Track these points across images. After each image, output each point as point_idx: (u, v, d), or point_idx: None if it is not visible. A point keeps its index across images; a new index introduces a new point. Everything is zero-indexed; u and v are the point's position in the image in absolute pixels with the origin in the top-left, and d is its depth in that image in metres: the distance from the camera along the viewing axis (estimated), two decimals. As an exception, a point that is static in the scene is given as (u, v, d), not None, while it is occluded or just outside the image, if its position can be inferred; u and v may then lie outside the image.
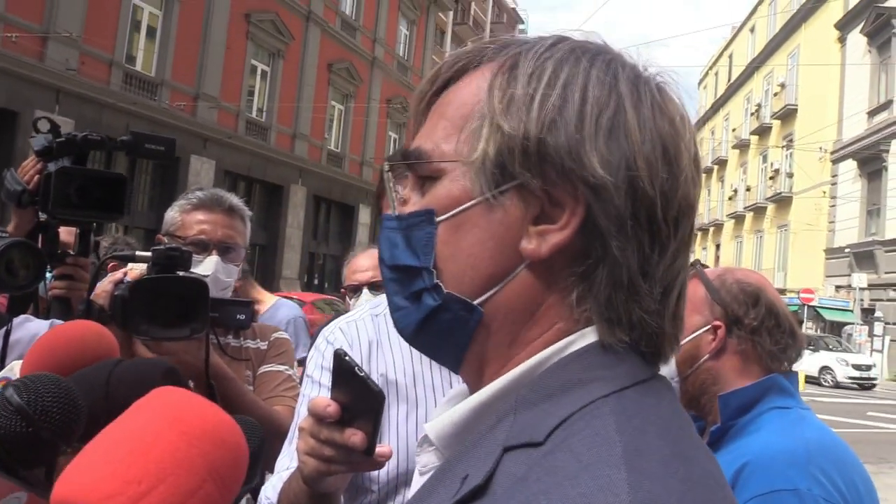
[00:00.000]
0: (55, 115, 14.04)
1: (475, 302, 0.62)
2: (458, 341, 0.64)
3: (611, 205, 0.58)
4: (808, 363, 20.57)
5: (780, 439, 1.37)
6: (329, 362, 1.39)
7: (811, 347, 20.85)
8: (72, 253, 1.63)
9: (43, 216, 1.58)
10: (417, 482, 0.67)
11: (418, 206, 0.65)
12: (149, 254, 1.34)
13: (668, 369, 1.46)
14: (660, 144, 0.60)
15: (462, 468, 0.56)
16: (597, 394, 0.56)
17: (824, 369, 21.41)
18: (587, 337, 0.60)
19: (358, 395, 0.85)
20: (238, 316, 1.49)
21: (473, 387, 0.65)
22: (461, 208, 0.62)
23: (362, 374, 0.83)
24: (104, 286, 1.42)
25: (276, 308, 3.74)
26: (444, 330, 0.64)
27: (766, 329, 1.49)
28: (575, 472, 0.49)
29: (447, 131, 0.64)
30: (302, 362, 2.12)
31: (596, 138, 0.58)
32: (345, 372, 0.84)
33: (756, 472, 1.32)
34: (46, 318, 1.56)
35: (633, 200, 0.59)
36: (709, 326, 1.50)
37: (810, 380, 20.69)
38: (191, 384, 1.44)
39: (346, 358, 0.84)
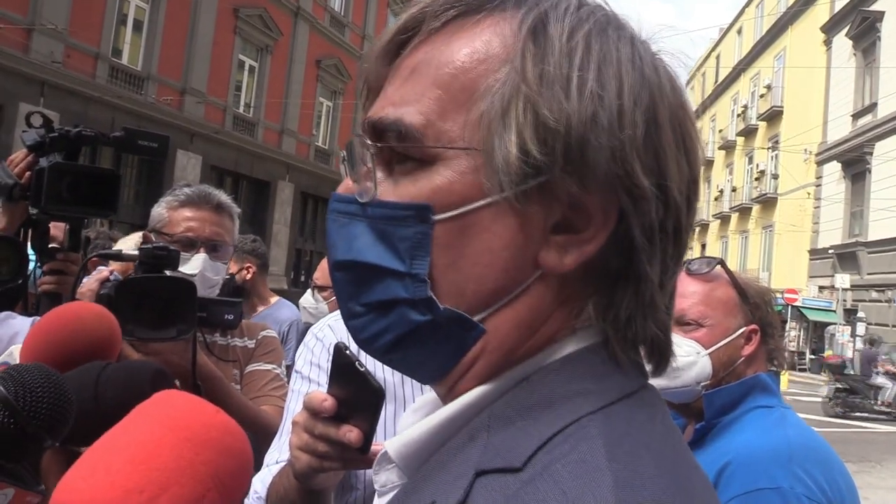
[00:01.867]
0: (40, 108, 13.93)
1: (476, 318, 0.53)
2: (444, 360, 0.55)
3: (647, 217, 0.51)
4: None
5: (762, 438, 1.39)
6: (318, 359, 1.39)
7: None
8: (62, 248, 1.62)
9: (33, 211, 1.57)
10: (378, 503, 0.60)
11: (397, 196, 0.53)
12: (135, 252, 1.33)
13: (702, 372, 1.46)
14: (682, 143, 0.53)
15: (429, 492, 0.49)
16: (582, 410, 0.49)
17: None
18: (573, 343, 0.53)
19: (356, 391, 0.82)
20: (226, 316, 1.49)
21: (445, 397, 0.57)
22: (469, 208, 0.51)
23: (363, 368, 0.80)
24: (90, 285, 1.40)
25: (278, 308, 3.71)
26: (429, 348, 0.54)
27: (775, 329, 1.54)
28: None
29: (443, 105, 0.52)
30: None
31: (636, 139, 0.50)
32: (344, 366, 0.81)
33: (739, 471, 1.33)
34: (36, 312, 1.55)
35: (664, 210, 0.52)
36: (743, 330, 1.52)
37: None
38: (177, 384, 1.44)
39: (347, 351, 0.81)
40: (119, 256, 1.39)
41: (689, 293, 1.54)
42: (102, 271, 1.44)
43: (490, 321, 0.53)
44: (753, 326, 1.52)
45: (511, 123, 0.49)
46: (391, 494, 0.57)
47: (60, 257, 1.59)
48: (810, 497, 1.28)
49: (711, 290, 1.53)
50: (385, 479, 0.59)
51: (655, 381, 1.68)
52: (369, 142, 0.55)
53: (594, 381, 0.51)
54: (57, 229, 1.66)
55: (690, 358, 1.49)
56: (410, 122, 0.52)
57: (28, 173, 1.57)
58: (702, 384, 1.50)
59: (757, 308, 1.53)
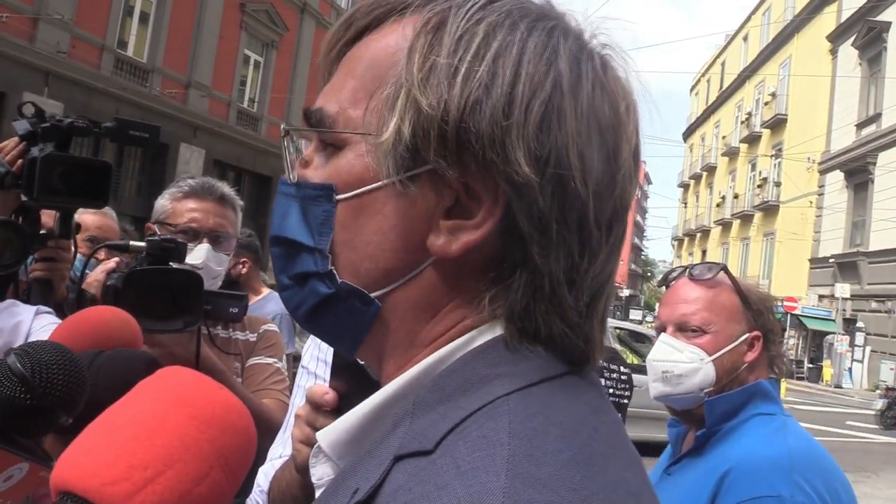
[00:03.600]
0: (44, 98, 13.94)
1: (373, 295, 0.55)
2: (353, 333, 0.58)
3: (534, 206, 0.51)
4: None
5: (764, 446, 1.38)
6: (325, 354, 1.39)
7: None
8: (53, 235, 1.62)
9: (25, 199, 1.57)
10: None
11: (318, 178, 0.57)
12: (143, 244, 1.33)
13: (706, 379, 1.46)
14: (598, 136, 0.53)
15: (354, 481, 0.49)
16: (498, 392, 0.49)
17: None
18: (493, 330, 0.53)
19: (357, 384, 0.82)
20: (231, 309, 1.49)
21: (382, 382, 0.59)
22: (363, 190, 0.54)
23: (361, 362, 0.80)
24: (96, 275, 1.40)
25: (265, 302, 3.70)
26: (337, 320, 0.58)
27: (777, 336, 1.54)
28: (448, 480, 0.44)
29: (355, 94, 0.56)
30: (288, 357, 2.12)
31: (525, 127, 0.50)
32: (344, 359, 0.82)
33: (740, 479, 1.33)
34: (27, 299, 1.55)
35: (561, 202, 0.51)
36: (746, 337, 1.51)
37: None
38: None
39: None
40: (127, 248, 1.39)
41: (692, 299, 1.53)
42: (109, 262, 1.43)
43: (386, 300, 0.55)
44: (756, 333, 1.52)
45: (396, 110, 0.52)
46: (325, 488, 0.57)
47: (51, 244, 1.59)
48: (810, 506, 1.28)
49: (715, 295, 1.53)
50: (321, 473, 0.60)
51: (659, 389, 1.66)
52: (286, 127, 0.61)
53: (511, 364, 0.51)
54: (48, 216, 1.66)
55: (693, 365, 1.49)
56: (327, 111, 0.57)
57: (20, 161, 1.57)
58: (705, 391, 1.49)
59: (759, 314, 1.52)
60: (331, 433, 0.58)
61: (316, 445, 0.60)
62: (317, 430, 0.86)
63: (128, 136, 1.59)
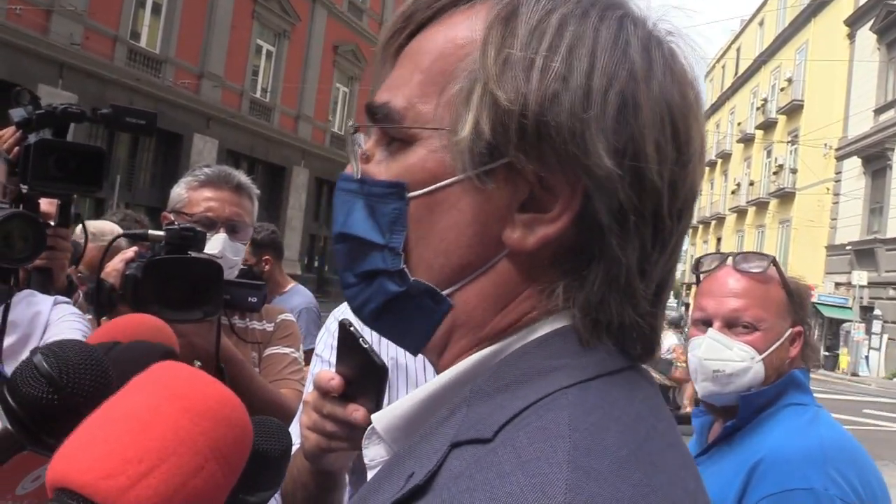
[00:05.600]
0: (58, 90, 14.02)
1: (444, 292, 0.55)
2: (421, 331, 0.57)
3: (615, 198, 0.51)
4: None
5: (796, 438, 1.36)
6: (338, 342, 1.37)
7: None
8: (52, 224, 1.61)
9: (23, 187, 1.57)
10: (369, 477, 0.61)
11: (386, 175, 0.56)
12: (162, 233, 1.31)
13: (756, 378, 1.43)
14: (670, 126, 0.53)
15: (409, 465, 0.50)
16: (557, 385, 0.49)
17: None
18: (555, 321, 0.53)
19: (362, 369, 0.82)
20: (250, 299, 1.47)
21: (436, 373, 0.59)
22: (437, 185, 0.54)
23: (366, 345, 0.80)
24: (115, 265, 1.39)
25: (290, 296, 3.73)
26: (406, 318, 0.58)
27: (811, 328, 1.51)
28: (510, 470, 0.43)
29: (424, 88, 0.55)
30: (309, 353, 2.11)
31: (603, 119, 0.50)
32: (349, 343, 0.82)
33: (771, 470, 1.31)
34: (27, 287, 1.54)
35: (639, 193, 0.51)
36: (790, 332, 1.48)
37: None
38: (197, 364, 1.42)
39: (351, 328, 0.81)
40: (145, 236, 1.37)
41: (741, 292, 1.47)
42: (127, 251, 1.42)
43: (458, 296, 0.55)
44: (799, 328, 1.48)
45: (472, 105, 0.52)
46: (378, 469, 0.57)
47: (50, 233, 1.58)
48: (844, 499, 1.26)
49: (766, 291, 1.47)
50: (374, 454, 0.61)
51: (709, 389, 1.61)
52: (355, 124, 0.60)
53: (572, 357, 0.51)
54: (49, 205, 1.65)
55: (745, 363, 1.44)
56: (394, 106, 0.56)
57: (17, 149, 1.56)
58: (752, 389, 1.45)
59: (801, 308, 1.48)
60: (386, 416, 0.59)
61: (370, 427, 0.61)
62: (324, 415, 0.86)
63: (124, 122, 1.57)
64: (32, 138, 1.52)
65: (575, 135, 0.50)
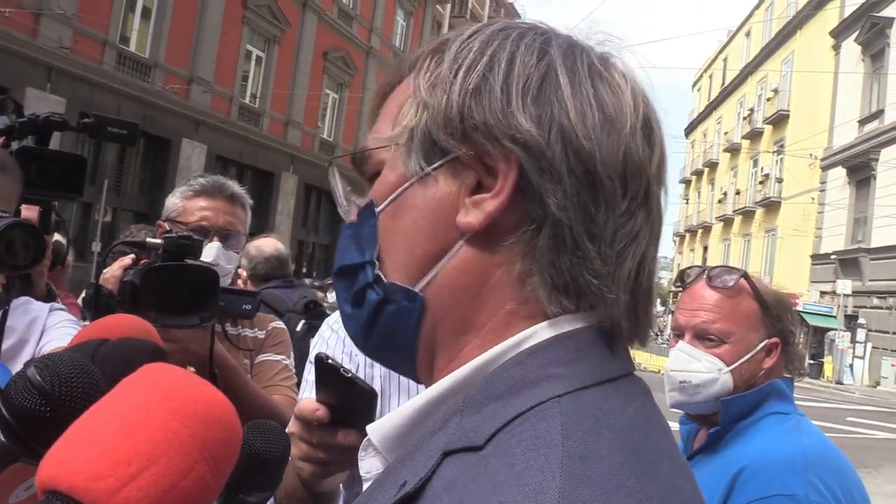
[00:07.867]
0: (47, 94, 13.92)
1: (416, 288, 0.58)
2: (404, 338, 0.59)
3: (543, 159, 0.54)
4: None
5: (778, 445, 1.39)
6: (333, 350, 1.39)
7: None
8: None
9: None
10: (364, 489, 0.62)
11: (362, 203, 0.63)
12: (160, 241, 1.33)
13: (723, 389, 1.46)
14: (595, 102, 0.56)
15: (402, 474, 0.51)
16: (550, 393, 0.50)
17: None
18: (546, 331, 0.55)
19: (348, 396, 0.82)
20: (244, 306, 1.49)
21: (428, 382, 0.60)
22: (397, 192, 0.59)
23: (349, 374, 0.80)
24: (113, 271, 1.41)
25: None
26: (389, 327, 0.60)
27: (794, 336, 1.52)
28: (503, 478, 0.44)
29: (383, 123, 0.63)
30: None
31: (524, 97, 0.55)
32: (330, 375, 0.82)
33: (753, 477, 1.33)
34: (7, 292, 1.55)
35: (567, 154, 0.54)
36: (764, 344, 1.50)
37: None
38: (191, 369, 1.43)
39: (329, 361, 0.81)
40: (143, 244, 1.39)
41: (711, 306, 1.50)
42: (125, 258, 1.44)
43: (429, 290, 0.58)
44: (775, 340, 1.50)
45: (411, 117, 0.59)
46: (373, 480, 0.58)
47: None
48: (824, 505, 1.28)
49: (735, 304, 1.50)
50: (369, 466, 0.61)
51: (676, 398, 1.63)
52: (338, 170, 0.69)
53: (565, 366, 0.53)
54: (29, 211, 1.67)
55: (711, 375, 1.47)
56: (364, 144, 0.64)
57: None
58: (721, 399, 1.48)
59: (779, 320, 1.50)
60: (381, 427, 0.60)
61: (366, 439, 0.62)
62: (315, 445, 0.86)
63: (106, 132, 1.59)
64: (14, 146, 1.53)
65: (495, 111, 0.55)
